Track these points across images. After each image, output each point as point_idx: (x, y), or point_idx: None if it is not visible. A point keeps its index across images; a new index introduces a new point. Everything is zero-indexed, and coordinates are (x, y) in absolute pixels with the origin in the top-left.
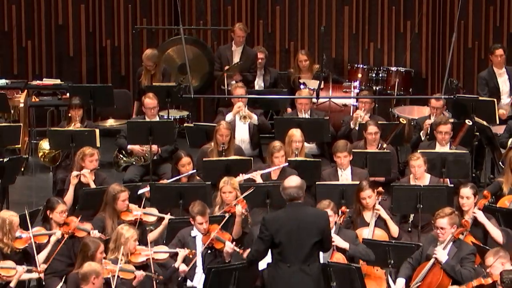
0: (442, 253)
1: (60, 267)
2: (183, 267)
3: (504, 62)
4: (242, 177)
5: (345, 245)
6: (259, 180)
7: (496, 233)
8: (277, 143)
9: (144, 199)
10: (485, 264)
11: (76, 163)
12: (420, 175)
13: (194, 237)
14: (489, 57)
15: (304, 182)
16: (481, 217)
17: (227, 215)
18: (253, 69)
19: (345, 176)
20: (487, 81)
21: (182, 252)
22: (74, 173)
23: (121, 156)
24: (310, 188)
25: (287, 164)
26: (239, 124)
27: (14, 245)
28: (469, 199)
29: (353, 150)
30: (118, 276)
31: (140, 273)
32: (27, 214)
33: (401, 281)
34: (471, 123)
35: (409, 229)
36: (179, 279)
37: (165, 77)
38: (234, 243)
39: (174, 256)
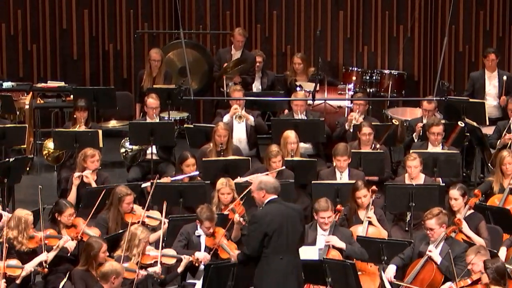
0: (436, 254)
1: (64, 265)
2: (206, 257)
3: (496, 66)
4: (240, 180)
5: (341, 245)
6: None
7: (481, 243)
8: (274, 148)
9: (148, 200)
10: (466, 261)
11: (78, 164)
12: (415, 175)
13: (199, 236)
14: (479, 60)
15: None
16: (466, 229)
17: (228, 212)
18: (251, 72)
19: (344, 179)
20: (474, 82)
21: (186, 259)
22: (76, 174)
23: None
24: (306, 187)
25: (283, 167)
26: (237, 125)
27: (27, 245)
28: (458, 200)
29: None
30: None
31: (142, 273)
32: (41, 211)
33: (392, 267)
34: (463, 125)
35: (406, 228)
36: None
37: (166, 79)
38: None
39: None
